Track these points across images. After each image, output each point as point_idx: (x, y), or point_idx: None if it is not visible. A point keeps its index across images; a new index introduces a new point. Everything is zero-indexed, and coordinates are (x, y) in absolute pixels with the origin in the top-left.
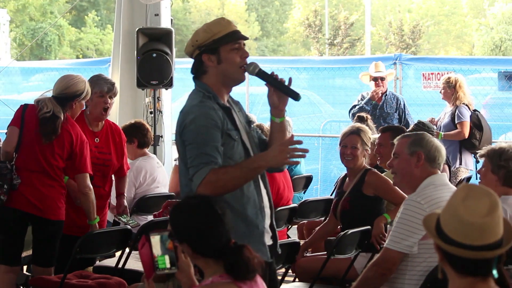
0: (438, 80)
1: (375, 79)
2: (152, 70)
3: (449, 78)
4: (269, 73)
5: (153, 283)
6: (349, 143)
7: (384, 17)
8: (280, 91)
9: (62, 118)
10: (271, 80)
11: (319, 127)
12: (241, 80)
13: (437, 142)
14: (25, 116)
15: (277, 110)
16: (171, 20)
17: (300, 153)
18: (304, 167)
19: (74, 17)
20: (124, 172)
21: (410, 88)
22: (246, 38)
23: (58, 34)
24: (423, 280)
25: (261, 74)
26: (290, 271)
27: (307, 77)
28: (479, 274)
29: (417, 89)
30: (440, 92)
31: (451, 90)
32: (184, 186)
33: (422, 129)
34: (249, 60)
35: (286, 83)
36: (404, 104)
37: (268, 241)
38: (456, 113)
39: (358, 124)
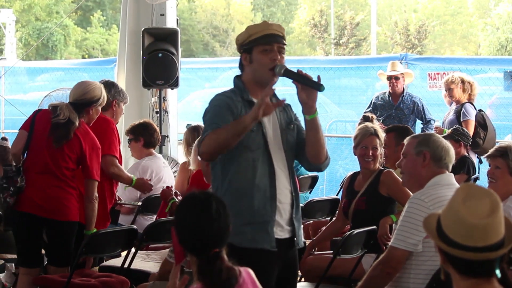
0: None
1: (389, 78)
2: (158, 70)
3: (452, 77)
4: (295, 71)
5: (179, 268)
6: (370, 144)
7: (390, 17)
8: (305, 85)
9: (77, 124)
10: (296, 77)
11: (325, 127)
12: (268, 81)
13: (444, 142)
14: (36, 120)
15: (307, 107)
16: (177, 20)
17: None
18: None
19: (79, 17)
20: None
21: (416, 88)
22: (279, 42)
23: (64, 34)
24: (428, 280)
25: (287, 73)
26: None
27: (313, 77)
28: (482, 275)
29: (423, 89)
30: (446, 95)
31: (458, 88)
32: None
33: (456, 135)
34: None
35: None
36: (422, 106)
37: (282, 235)
38: (462, 111)
39: (371, 124)
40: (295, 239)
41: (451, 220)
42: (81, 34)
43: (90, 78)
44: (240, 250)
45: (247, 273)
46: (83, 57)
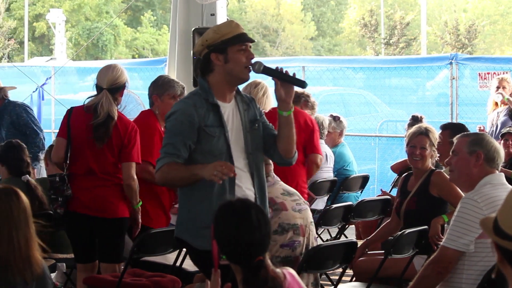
0: None
1: None
2: None
3: (508, 78)
4: (274, 68)
5: (219, 275)
6: (418, 144)
7: (440, 16)
8: (287, 82)
9: (115, 117)
10: (277, 74)
11: (376, 127)
12: (245, 79)
13: (496, 143)
14: (71, 124)
15: (284, 103)
16: (227, 19)
17: (225, 175)
18: (357, 167)
19: (129, 17)
20: None
21: (466, 88)
22: (252, 41)
23: (114, 34)
24: (480, 280)
25: (267, 71)
26: (347, 270)
27: (363, 76)
28: None
29: (473, 89)
30: (499, 92)
31: (508, 90)
32: None
33: None
34: (305, 60)
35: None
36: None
37: None
38: None
39: (426, 125)
40: None
41: (506, 214)
42: (131, 34)
43: (140, 78)
44: (203, 253)
45: (291, 276)
46: (133, 57)
